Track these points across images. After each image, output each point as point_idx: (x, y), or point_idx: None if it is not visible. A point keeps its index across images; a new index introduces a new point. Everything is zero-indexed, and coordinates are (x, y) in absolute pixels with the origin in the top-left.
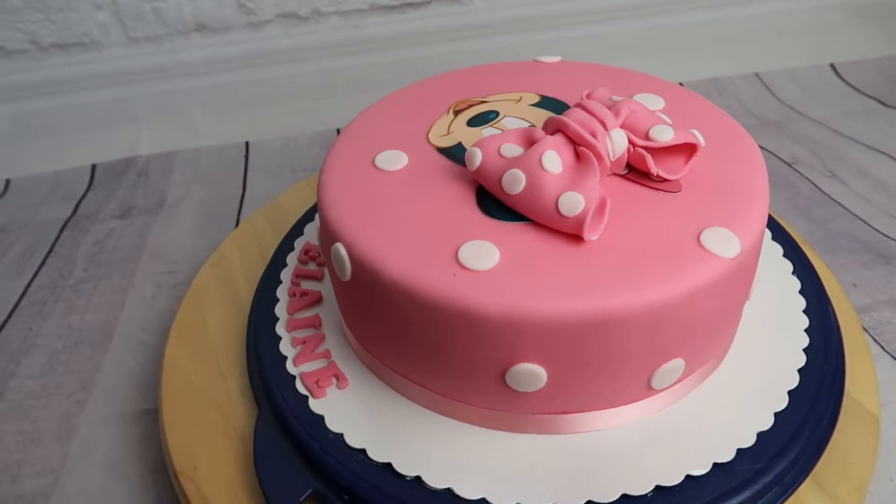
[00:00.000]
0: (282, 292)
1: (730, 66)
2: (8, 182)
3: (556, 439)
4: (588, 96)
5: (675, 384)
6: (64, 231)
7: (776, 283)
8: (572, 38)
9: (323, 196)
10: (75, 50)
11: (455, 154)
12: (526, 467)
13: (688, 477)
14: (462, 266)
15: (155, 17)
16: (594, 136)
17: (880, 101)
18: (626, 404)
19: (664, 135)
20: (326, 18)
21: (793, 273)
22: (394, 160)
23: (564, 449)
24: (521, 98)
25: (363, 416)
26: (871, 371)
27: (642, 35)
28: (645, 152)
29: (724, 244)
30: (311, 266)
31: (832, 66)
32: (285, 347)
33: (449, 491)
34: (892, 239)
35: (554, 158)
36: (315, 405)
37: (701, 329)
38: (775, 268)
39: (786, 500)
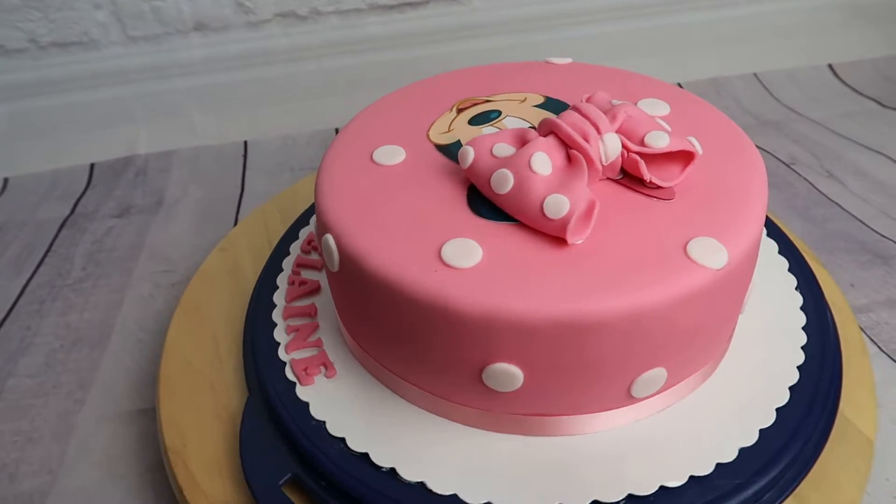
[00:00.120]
0: (282, 280)
1: (728, 67)
2: (6, 181)
3: (534, 441)
4: (588, 100)
5: (657, 393)
6: (62, 230)
7: (775, 290)
8: (571, 38)
9: (319, 187)
10: (74, 49)
11: (452, 152)
12: (501, 467)
13: (662, 488)
14: (444, 263)
15: (154, 17)
16: (586, 139)
17: (878, 102)
18: (606, 411)
19: (659, 141)
20: (325, 18)
21: (795, 287)
22: (391, 155)
23: (541, 451)
24: (525, 98)
25: (347, 405)
26: (871, 393)
27: (641, 35)
28: (638, 158)
29: (710, 254)
30: (313, 256)
31: (830, 66)
32: (279, 334)
33: (422, 485)
34: (890, 239)
35: (543, 160)
36: (301, 392)
37: (684, 339)
38: (774, 277)
39: None
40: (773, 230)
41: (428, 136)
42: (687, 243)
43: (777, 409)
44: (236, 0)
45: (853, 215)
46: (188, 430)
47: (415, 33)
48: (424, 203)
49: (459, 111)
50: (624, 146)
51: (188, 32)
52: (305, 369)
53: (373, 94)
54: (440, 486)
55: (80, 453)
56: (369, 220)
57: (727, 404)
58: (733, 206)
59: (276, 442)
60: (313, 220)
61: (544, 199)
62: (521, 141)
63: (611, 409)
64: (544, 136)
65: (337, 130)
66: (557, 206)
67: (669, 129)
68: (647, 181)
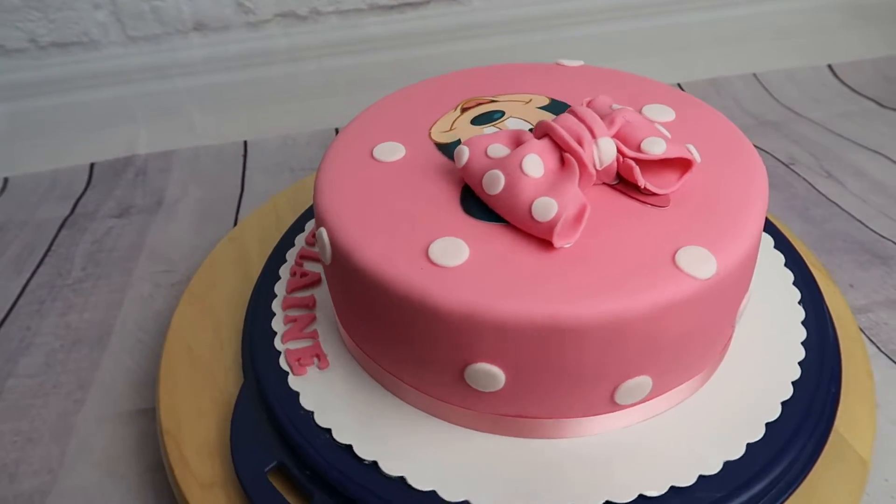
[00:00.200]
0: (284, 271)
1: (728, 67)
2: (6, 181)
3: (517, 442)
4: (589, 103)
5: (644, 401)
6: (62, 230)
7: (777, 302)
8: (571, 38)
9: (318, 180)
10: (74, 49)
11: (451, 151)
12: (481, 466)
13: (641, 496)
14: (430, 261)
15: (153, 17)
16: (580, 143)
17: (877, 102)
18: (590, 416)
19: (656, 148)
20: (325, 18)
21: (798, 301)
22: (391, 152)
23: (523, 453)
24: (530, 100)
25: (336, 397)
26: (870, 411)
27: (641, 35)
28: (633, 164)
29: (698, 264)
30: (316, 248)
31: (830, 66)
32: (276, 324)
33: (402, 479)
34: (889, 239)
35: (535, 162)
36: (293, 382)
37: (669, 349)
38: (777, 289)
39: None
40: (779, 239)
41: (429, 134)
42: (676, 252)
43: (767, 424)
44: (236, 0)
45: (852, 215)
46: (184, 411)
47: (415, 33)
48: (418, 200)
49: (464, 110)
50: (619, 151)
51: (188, 32)
52: (299, 359)
53: (373, 94)
54: (420, 482)
55: (79, 453)
56: (362, 214)
57: (717, 416)
58: (728, 216)
59: (266, 429)
60: None
61: (533, 201)
62: (517, 142)
63: (594, 414)
64: (539, 138)
65: (337, 130)
66: (545, 208)
67: (669, 135)
68: (642, 187)
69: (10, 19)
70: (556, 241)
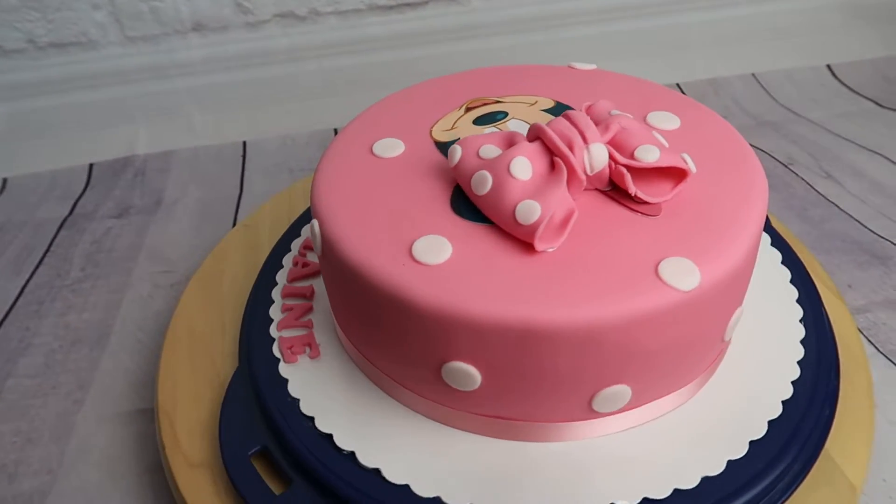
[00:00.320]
0: (288, 260)
1: (727, 67)
2: (5, 181)
3: (493, 442)
4: (588, 108)
5: (624, 410)
6: (61, 230)
7: (776, 315)
8: (570, 38)
9: (316, 172)
10: (72, 49)
11: (447, 149)
12: (457, 464)
13: None
14: (413, 258)
15: (152, 17)
16: (570, 147)
17: (876, 103)
18: (567, 422)
19: (649, 156)
20: (324, 18)
21: (799, 320)
22: (391, 148)
23: (498, 453)
24: (535, 102)
25: (323, 386)
26: (867, 435)
27: (639, 35)
28: (625, 171)
29: (681, 275)
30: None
31: (829, 67)
32: (274, 311)
33: (377, 471)
34: (888, 240)
35: (524, 165)
36: (283, 369)
37: (648, 359)
38: (780, 302)
39: None
40: (775, 238)
41: (431, 132)
42: (660, 262)
43: (751, 442)
44: (235, 0)
45: (851, 216)
46: (181, 391)
47: (414, 33)
48: (410, 197)
49: (468, 110)
50: (612, 158)
51: (187, 33)
52: (290, 347)
53: (372, 94)
54: (394, 475)
55: (79, 453)
56: (353, 208)
57: (701, 429)
58: (719, 228)
59: (254, 414)
60: None
61: (517, 203)
62: (509, 144)
63: (572, 420)
64: (531, 141)
65: (336, 131)
66: (528, 211)
67: (667, 144)
68: (633, 195)
69: (8, 19)
70: (538, 245)
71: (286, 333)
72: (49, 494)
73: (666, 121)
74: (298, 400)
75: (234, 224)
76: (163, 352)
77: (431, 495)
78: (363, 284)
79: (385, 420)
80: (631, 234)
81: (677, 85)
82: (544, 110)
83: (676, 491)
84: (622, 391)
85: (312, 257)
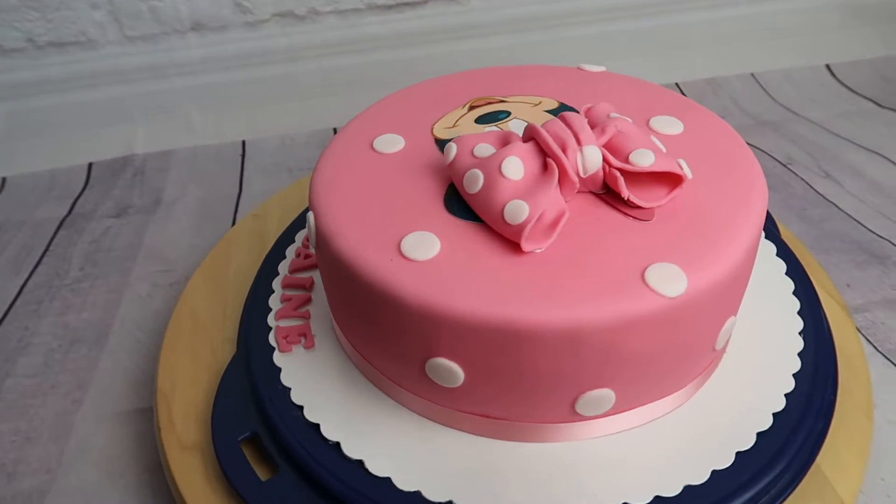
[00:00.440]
0: (291, 251)
1: (726, 67)
2: (4, 180)
3: (478, 440)
4: (587, 111)
5: (609, 414)
6: (60, 230)
7: (775, 324)
8: (569, 38)
9: (317, 165)
10: (72, 48)
11: None
12: (439, 459)
13: None
14: (401, 253)
15: (151, 16)
16: (564, 149)
17: (875, 102)
18: (551, 423)
19: (644, 160)
20: (323, 18)
21: (799, 332)
22: (391, 144)
23: (481, 451)
24: (539, 102)
25: (315, 377)
26: (863, 450)
27: (638, 35)
28: (618, 174)
29: (667, 282)
30: None
31: (828, 66)
32: (273, 301)
33: (360, 463)
34: (886, 239)
35: (515, 165)
36: (277, 358)
37: (633, 364)
38: (775, 298)
39: None
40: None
41: (432, 129)
42: (647, 267)
43: (738, 453)
44: (234, 0)
45: (850, 215)
46: (180, 376)
47: (413, 33)
48: (404, 193)
49: (471, 108)
50: (606, 161)
51: (186, 32)
52: (286, 337)
53: (371, 93)
54: (377, 468)
55: (78, 453)
56: (348, 202)
57: (688, 437)
58: (713, 235)
59: (246, 401)
60: None
61: (507, 203)
62: (504, 143)
63: (556, 422)
64: (526, 141)
65: (335, 130)
66: (516, 211)
67: (664, 149)
68: (626, 198)
69: (7, 19)
70: (525, 245)
71: (283, 323)
72: (48, 494)
73: (669, 125)
74: (290, 389)
75: (234, 223)
76: (166, 336)
77: (412, 489)
78: (352, 277)
79: (372, 413)
80: (621, 238)
81: (676, 84)
82: (547, 111)
83: (658, 498)
84: (606, 395)
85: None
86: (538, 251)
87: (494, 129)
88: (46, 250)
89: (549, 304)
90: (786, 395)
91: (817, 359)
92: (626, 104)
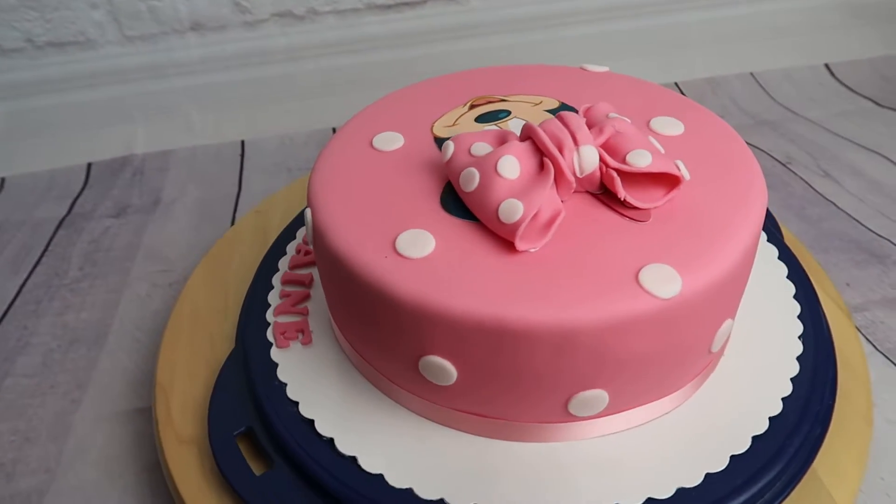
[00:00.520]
0: (292, 247)
1: (725, 66)
2: (3, 180)
3: (471, 439)
4: (586, 111)
5: (603, 415)
6: (59, 230)
7: (776, 329)
8: (569, 37)
9: (316, 162)
10: (71, 48)
11: None
12: (432, 457)
13: None
14: (396, 251)
15: (150, 16)
16: (560, 148)
17: (875, 102)
18: (544, 422)
19: (641, 161)
20: (322, 17)
21: (798, 337)
22: (390, 141)
23: (474, 450)
24: (540, 102)
25: (311, 373)
26: (861, 455)
27: (638, 35)
28: (615, 174)
29: (662, 283)
30: None
31: (827, 66)
32: (273, 296)
33: (354, 459)
34: (886, 238)
35: (511, 164)
36: (274, 353)
37: (626, 365)
38: (775, 301)
39: None
40: (786, 255)
41: (432, 128)
42: (641, 268)
43: (732, 456)
44: (233, 0)
45: (849, 214)
46: (179, 370)
47: (412, 33)
48: (401, 191)
49: (472, 107)
50: (603, 161)
51: (185, 32)
52: (283, 333)
53: (370, 93)
54: (370, 465)
55: (77, 453)
56: (343, 200)
57: (683, 439)
58: (709, 237)
59: (243, 396)
60: None
61: (501, 202)
62: (501, 142)
63: (549, 421)
64: (523, 140)
65: (334, 130)
66: (511, 210)
67: (662, 150)
68: (622, 199)
69: (6, 19)
70: (519, 245)
71: (281, 319)
72: (47, 493)
73: (669, 126)
74: (286, 384)
75: (233, 223)
76: (166, 329)
77: (404, 486)
78: (347, 274)
79: (367, 410)
80: (617, 238)
81: (675, 84)
82: (548, 111)
83: (650, 500)
84: (599, 396)
85: None
86: (533, 251)
87: (494, 127)
88: (45, 250)
89: (542, 303)
90: (783, 399)
91: (816, 363)
92: (628, 105)
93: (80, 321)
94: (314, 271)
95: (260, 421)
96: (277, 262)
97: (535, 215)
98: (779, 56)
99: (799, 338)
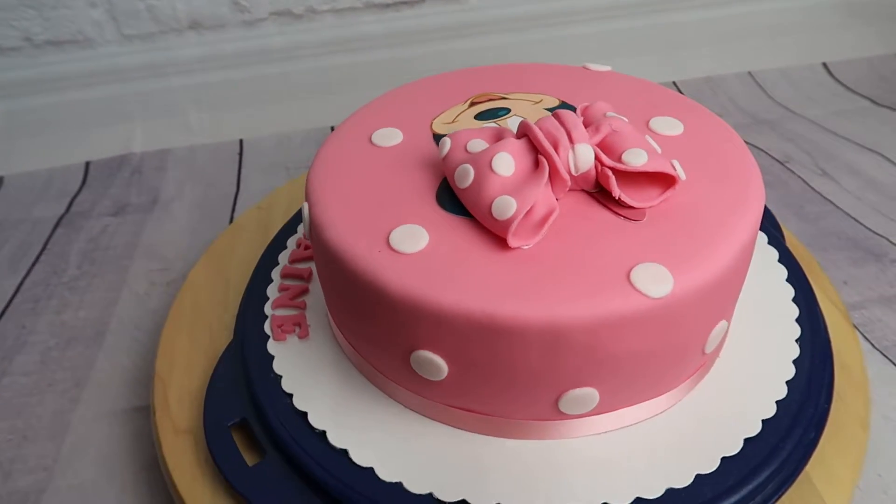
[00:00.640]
0: (292, 241)
1: (723, 65)
2: (2, 179)
3: (462, 434)
4: (584, 109)
5: (593, 414)
6: (57, 228)
7: (775, 330)
8: (567, 36)
9: (315, 157)
10: (69, 47)
11: None
12: (423, 451)
13: None
14: (389, 245)
15: (149, 15)
16: (556, 146)
17: (872, 101)
18: (535, 420)
19: (636, 160)
20: (321, 16)
21: (796, 340)
22: (389, 137)
23: (464, 445)
24: (541, 100)
25: (306, 366)
26: (856, 461)
27: (636, 34)
28: (610, 173)
29: (653, 282)
30: None
31: (825, 65)
32: (272, 290)
33: (345, 452)
34: (883, 237)
35: (506, 161)
36: (271, 346)
37: (616, 364)
38: (774, 302)
39: None
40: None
41: (431, 124)
42: (633, 267)
43: (723, 458)
44: None
45: (847, 213)
46: (178, 360)
47: (411, 32)
48: (398, 187)
49: (472, 105)
50: (598, 159)
51: (183, 31)
52: (280, 326)
53: (369, 92)
54: (361, 458)
55: (75, 451)
56: (340, 195)
57: (675, 440)
58: (703, 237)
59: (239, 387)
60: None
61: (495, 198)
62: (497, 139)
63: (540, 419)
64: (519, 138)
65: (333, 129)
66: (504, 207)
67: (659, 150)
68: (617, 198)
69: (5, 17)
70: (511, 241)
71: (279, 312)
72: (45, 492)
73: (668, 126)
74: (280, 377)
75: (231, 222)
76: (167, 321)
77: (394, 480)
78: (341, 267)
79: (360, 403)
80: (610, 237)
81: (674, 83)
82: (548, 109)
83: (639, 499)
84: (589, 394)
85: None
86: (526, 248)
87: (492, 125)
88: (44, 249)
89: (532, 300)
90: (777, 403)
91: (812, 367)
92: (628, 104)
93: (78, 320)
94: (313, 266)
95: (254, 412)
96: (277, 256)
97: (529, 212)
98: (777, 55)
99: (796, 341)
